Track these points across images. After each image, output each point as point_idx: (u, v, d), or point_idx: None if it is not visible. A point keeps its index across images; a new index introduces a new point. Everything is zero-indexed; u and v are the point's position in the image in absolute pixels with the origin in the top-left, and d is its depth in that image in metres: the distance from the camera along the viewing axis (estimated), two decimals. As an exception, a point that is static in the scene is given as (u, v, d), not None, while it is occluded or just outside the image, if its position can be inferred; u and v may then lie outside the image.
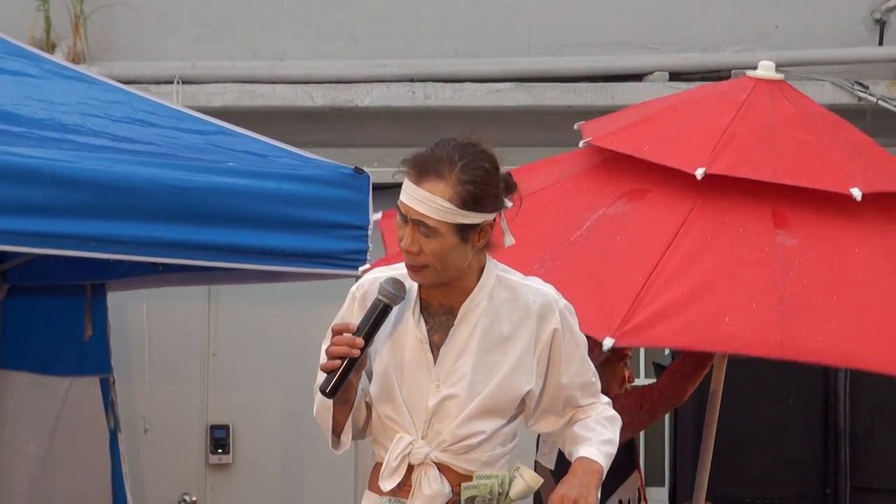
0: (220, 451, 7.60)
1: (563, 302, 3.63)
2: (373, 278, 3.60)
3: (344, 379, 3.44)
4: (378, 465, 3.59)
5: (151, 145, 5.18)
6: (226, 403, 7.65)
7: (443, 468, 3.53)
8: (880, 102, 7.56)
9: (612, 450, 3.64)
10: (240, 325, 7.66)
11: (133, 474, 7.30)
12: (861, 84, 7.59)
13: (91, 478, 6.78)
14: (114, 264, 6.05)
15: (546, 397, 3.64)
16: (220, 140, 5.45)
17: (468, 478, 3.53)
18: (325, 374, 3.47)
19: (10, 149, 4.72)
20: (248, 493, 7.65)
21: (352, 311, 3.60)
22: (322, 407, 3.57)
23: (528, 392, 3.58)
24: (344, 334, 3.45)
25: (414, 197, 3.44)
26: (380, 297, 3.48)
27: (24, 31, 7.47)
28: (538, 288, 3.62)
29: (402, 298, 3.49)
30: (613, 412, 3.72)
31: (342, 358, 3.44)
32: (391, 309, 3.49)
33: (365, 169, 5.47)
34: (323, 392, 3.46)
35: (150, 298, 7.32)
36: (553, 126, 7.74)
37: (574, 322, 3.64)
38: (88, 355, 6.80)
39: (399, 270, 3.58)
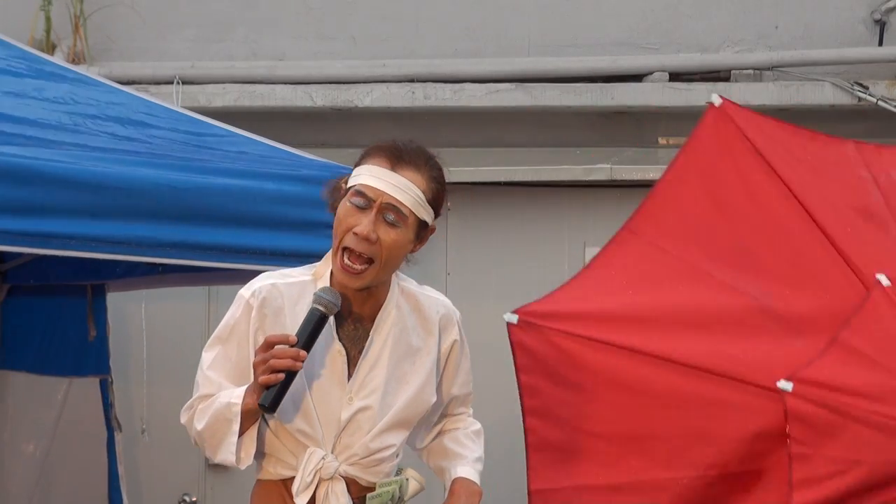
0: (220, 451, 7.59)
1: (457, 313, 3.65)
2: (269, 284, 3.50)
3: (284, 393, 3.35)
4: (265, 483, 3.60)
5: (150, 146, 5.18)
6: (226, 404, 7.64)
7: (347, 481, 3.49)
8: (880, 103, 7.56)
9: (482, 467, 3.68)
10: (240, 326, 7.65)
11: (133, 475, 7.29)
12: (861, 84, 7.59)
13: (89, 479, 6.78)
14: (113, 265, 6.04)
15: (433, 409, 3.63)
16: (219, 141, 5.45)
17: (369, 489, 3.50)
18: (258, 389, 3.36)
19: (10, 149, 4.72)
20: (249, 494, 7.63)
21: (247, 319, 3.49)
22: (219, 422, 3.45)
23: (431, 405, 3.58)
24: (278, 346, 3.33)
25: (389, 182, 3.38)
26: (318, 306, 3.37)
27: (24, 32, 7.47)
28: (436, 298, 3.62)
29: (338, 307, 3.41)
30: (479, 425, 3.74)
31: (287, 372, 3.32)
32: (328, 318, 3.40)
33: (365, 169, 5.47)
34: (264, 407, 3.34)
35: (149, 299, 7.32)
36: (553, 126, 7.74)
37: (463, 332, 3.67)
38: (88, 356, 6.80)
39: (292, 277, 3.50)
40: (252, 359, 3.44)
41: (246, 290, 3.53)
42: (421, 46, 7.81)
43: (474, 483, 3.61)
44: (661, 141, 7.90)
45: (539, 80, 7.66)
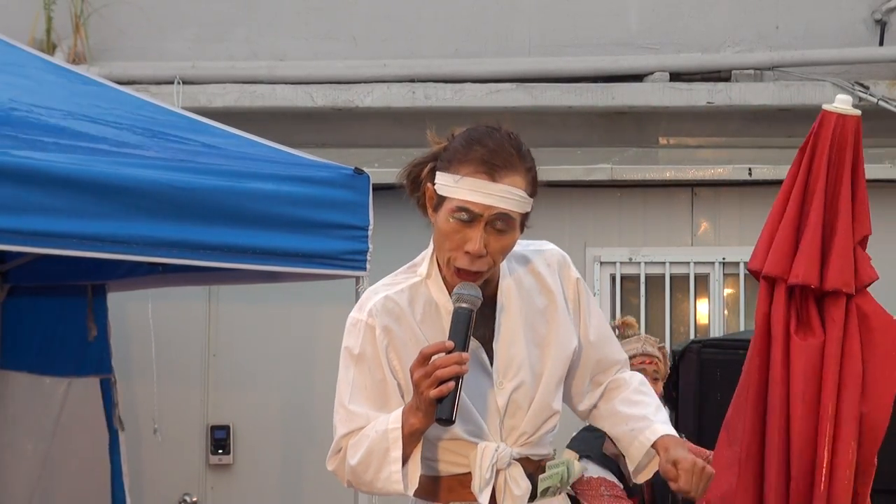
0: (220, 451, 7.60)
1: (566, 254, 3.57)
2: (381, 298, 3.39)
3: (457, 400, 3.20)
4: (429, 478, 3.39)
5: (151, 147, 5.18)
6: (226, 403, 7.65)
7: (521, 461, 3.41)
8: (881, 103, 7.56)
9: (665, 415, 3.59)
10: (240, 325, 7.66)
11: (134, 474, 7.29)
12: (861, 84, 7.59)
13: (90, 479, 6.77)
14: (114, 264, 6.05)
15: (582, 357, 3.53)
16: (220, 142, 5.45)
17: (540, 463, 3.45)
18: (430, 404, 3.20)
19: (11, 150, 4.72)
20: (249, 494, 7.65)
21: (372, 340, 3.36)
22: (376, 452, 3.30)
23: (574, 350, 3.48)
24: (435, 356, 3.18)
25: (492, 194, 3.27)
26: (463, 304, 3.25)
27: (24, 32, 7.48)
28: (541, 249, 3.54)
29: (481, 298, 3.29)
30: (640, 375, 3.63)
31: (454, 378, 3.18)
32: (474, 313, 3.28)
33: (365, 169, 5.47)
34: (443, 420, 3.20)
35: (149, 299, 7.32)
36: (553, 126, 7.74)
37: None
38: (88, 356, 6.79)
39: (397, 284, 3.42)
40: (389, 379, 3.36)
41: (359, 313, 3.39)
42: (421, 46, 7.82)
43: (673, 434, 3.52)
44: (662, 141, 7.90)
45: (539, 80, 7.66)
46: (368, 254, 5.42)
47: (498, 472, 3.38)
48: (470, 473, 3.39)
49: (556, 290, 3.48)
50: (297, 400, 7.58)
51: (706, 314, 7.59)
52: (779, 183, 4.88)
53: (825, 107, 4.75)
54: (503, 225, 3.29)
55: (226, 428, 7.61)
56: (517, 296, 3.44)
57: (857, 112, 4.73)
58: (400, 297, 3.40)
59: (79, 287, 6.72)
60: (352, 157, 6.61)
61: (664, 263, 7.55)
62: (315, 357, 7.53)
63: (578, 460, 3.56)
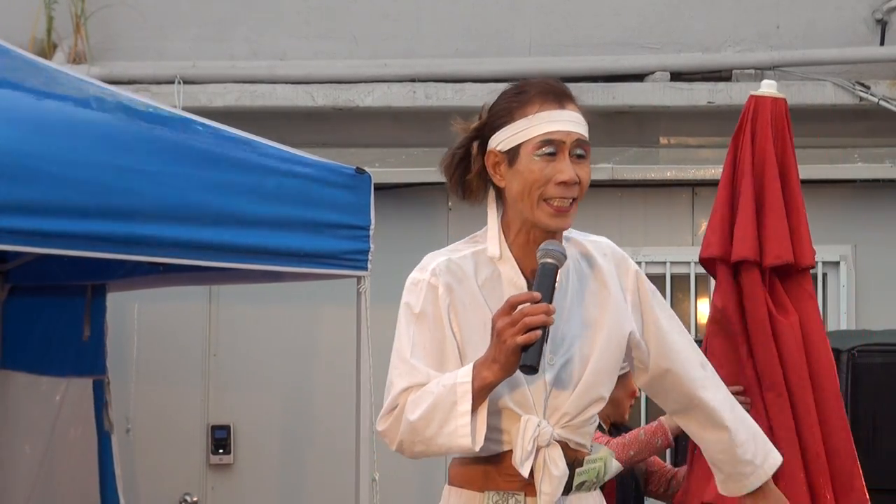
0: (220, 451, 7.60)
1: (621, 250, 3.55)
2: (444, 260, 3.37)
3: (542, 350, 3.18)
4: (472, 461, 3.36)
5: (151, 147, 5.18)
6: (226, 403, 7.64)
7: (560, 445, 3.36)
8: (881, 103, 7.56)
9: (760, 438, 3.65)
10: (240, 325, 7.66)
11: (133, 474, 7.29)
12: (862, 84, 7.59)
13: (83, 480, 6.76)
14: (115, 265, 6.04)
15: (653, 350, 3.52)
16: (220, 142, 5.44)
17: (577, 453, 3.41)
18: (511, 353, 3.15)
19: (12, 149, 4.72)
20: (249, 493, 7.64)
21: (434, 299, 3.33)
22: (441, 407, 3.22)
23: (630, 335, 3.45)
24: (523, 305, 3.14)
25: (569, 120, 3.31)
26: (550, 260, 3.23)
27: (24, 32, 7.48)
28: (598, 241, 3.52)
29: (566, 258, 3.27)
30: (722, 399, 3.65)
31: (541, 327, 3.14)
32: (558, 272, 3.26)
33: (366, 169, 5.47)
34: (527, 367, 3.15)
35: (149, 299, 7.32)
36: (554, 126, 7.74)
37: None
38: (85, 356, 6.78)
39: (459, 251, 3.41)
40: (450, 338, 3.31)
41: (421, 273, 3.37)
42: (422, 46, 7.82)
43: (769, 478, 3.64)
44: (663, 140, 7.90)
45: (540, 80, 7.65)
46: (370, 253, 5.42)
47: (538, 450, 3.33)
48: (506, 455, 3.34)
49: (609, 279, 3.45)
50: (297, 400, 7.57)
51: (707, 314, 7.59)
52: (779, 182, 4.91)
53: (754, 92, 4.84)
54: (583, 151, 3.32)
55: (226, 428, 7.61)
56: (573, 276, 3.41)
57: (784, 95, 4.83)
58: (463, 261, 3.38)
59: (79, 287, 6.72)
60: (352, 157, 6.61)
61: (665, 263, 7.55)
62: (315, 357, 7.53)
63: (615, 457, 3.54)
